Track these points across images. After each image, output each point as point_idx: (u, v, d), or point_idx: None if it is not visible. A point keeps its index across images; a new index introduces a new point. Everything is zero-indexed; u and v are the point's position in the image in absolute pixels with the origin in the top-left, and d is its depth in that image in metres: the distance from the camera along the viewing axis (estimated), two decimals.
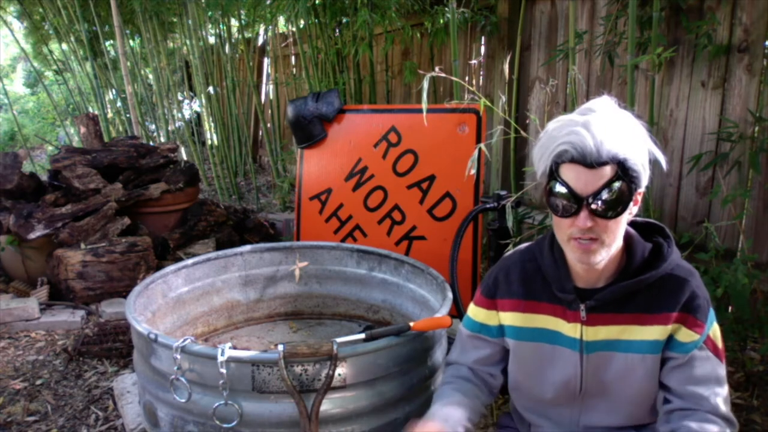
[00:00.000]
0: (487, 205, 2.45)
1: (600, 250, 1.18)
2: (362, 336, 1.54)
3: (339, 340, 1.50)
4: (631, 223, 1.26)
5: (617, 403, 1.30)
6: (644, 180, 1.19)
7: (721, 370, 1.23)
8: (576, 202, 1.15)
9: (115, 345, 2.79)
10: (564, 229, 1.20)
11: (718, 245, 2.40)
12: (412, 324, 1.59)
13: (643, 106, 2.91)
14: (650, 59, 2.54)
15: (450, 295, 1.85)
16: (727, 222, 2.60)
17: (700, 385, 1.21)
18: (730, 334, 2.25)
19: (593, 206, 1.14)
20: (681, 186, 2.87)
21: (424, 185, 2.83)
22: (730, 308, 2.29)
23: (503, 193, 2.44)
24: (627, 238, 1.25)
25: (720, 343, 1.24)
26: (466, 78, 4.12)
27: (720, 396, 1.21)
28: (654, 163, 1.22)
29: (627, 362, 1.26)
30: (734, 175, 2.57)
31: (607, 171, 1.14)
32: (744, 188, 2.46)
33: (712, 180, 2.74)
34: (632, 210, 1.21)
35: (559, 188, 1.17)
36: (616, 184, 1.14)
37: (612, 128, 1.14)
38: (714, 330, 1.24)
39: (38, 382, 2.57)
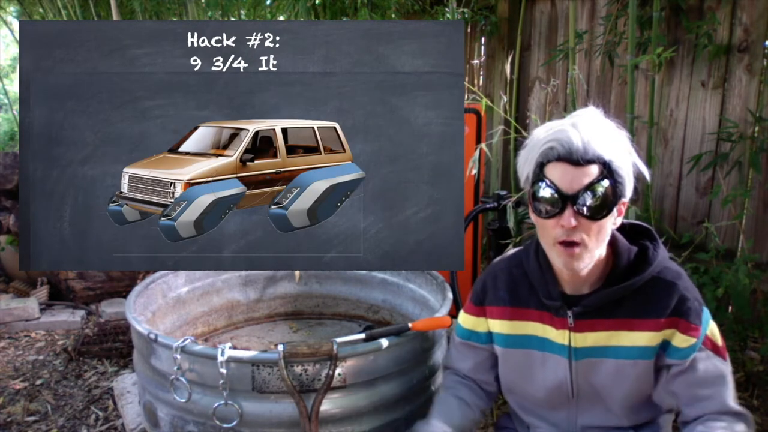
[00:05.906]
0: (487, 205, 2.46)
1: (584, 255, 1.16)
2: (362, 336, 1.54)
3: (339, 340, 1.49)
4: (618, 226, 1.25)
5: (612, 405, 1.29)
6: (628, 190, 1.18)
7: (725, 366, 1.22)
8: (561, 200, 1.14)
9: (115, 345, 2.79)
10: (548, 232, 1.18)
11: (718, 245, 2.40)
12: (411, 324, 1.59)
13: (643, 106, 2.91)
14: (650, 59, 2.54)
15: (450, 295, 1.85)
16: (727, 222, 2.60)
17: (705, 386, 1.21)
18: (730, 334, 2.25)
19: (578, 205, 1.13)
20: (681, 186, 2.86)
21: None
22: (730, 308, 2.29)
23: (503, 193, 2.44)
24: (612, 242, 1.24)
25: (719, 341, 1.23)
26: (467, 78, 4.12)
27: (726, 393, 1.20)
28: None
29: (617, 368, 1.24)
30: (734, 175, 2.57)
31: (593, 170, 1.13)
32: (744, 188, 2.46)
33: (712, 180, 2.74)
34: (616, 221, 1.20)
35: (544, 189, 1.16)
36: (602, 185, 1.13)
37: (599, 130, 1.15)
38: (711, 328, 1.22)
39: (38, 382, 2.57)
